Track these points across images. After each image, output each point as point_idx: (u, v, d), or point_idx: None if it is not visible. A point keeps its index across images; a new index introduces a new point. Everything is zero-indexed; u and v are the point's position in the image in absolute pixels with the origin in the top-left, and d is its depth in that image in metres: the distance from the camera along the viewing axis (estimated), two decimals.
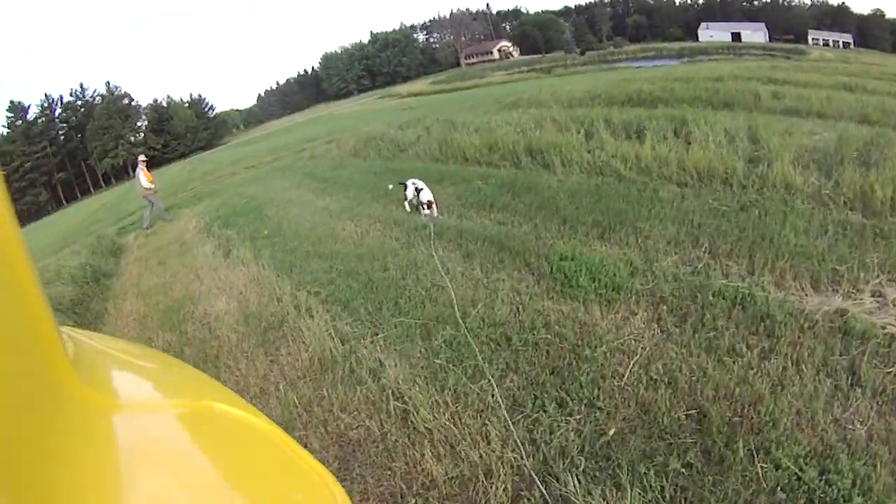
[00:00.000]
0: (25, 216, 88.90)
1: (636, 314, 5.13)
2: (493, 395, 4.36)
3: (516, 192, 9.45)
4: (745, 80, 18.36)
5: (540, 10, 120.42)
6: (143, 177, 17.22)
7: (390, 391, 4.63)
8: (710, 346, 4.44)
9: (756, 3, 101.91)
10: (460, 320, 5.47)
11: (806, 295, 5.03)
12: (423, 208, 9.25)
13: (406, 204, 9.96)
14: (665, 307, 5.13)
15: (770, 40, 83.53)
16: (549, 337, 4.98)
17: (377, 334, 5.64)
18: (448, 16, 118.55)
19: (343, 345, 5.54)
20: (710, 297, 5.08)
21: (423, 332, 5.51)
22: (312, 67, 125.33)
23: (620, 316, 5.17)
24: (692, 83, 17.49)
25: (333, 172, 16.40)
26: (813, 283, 5.21)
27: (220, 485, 0.86)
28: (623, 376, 4.32)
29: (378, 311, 6.11)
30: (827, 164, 8.20)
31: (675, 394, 4.01)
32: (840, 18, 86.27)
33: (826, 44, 79.64)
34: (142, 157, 17.88)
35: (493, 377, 4.58)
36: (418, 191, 9.57)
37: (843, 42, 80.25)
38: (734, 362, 4.17)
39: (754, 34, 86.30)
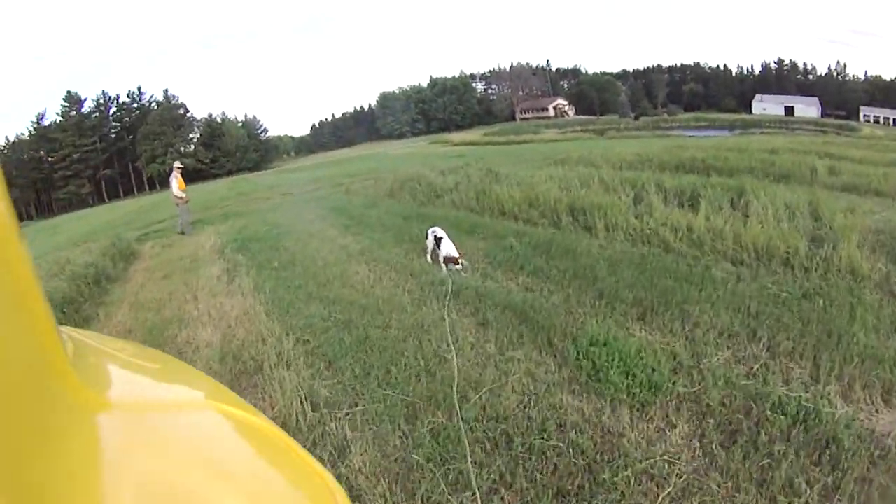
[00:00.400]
0: (65, 206, 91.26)
1: (675, 426, 4.03)
2: None
3: (551, 254, 8.42)
4: (800, 153, 17.47)
5: (598, 71, 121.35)
6: (175, 184, 17.28)
7: (350, 485, 3.76)
8: (763, 479, 3.43)
9: (810, 77, 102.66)
10: (457, 406, 4.52)
11: (876, 411, 4.12)
12: (443, 263, 8.32)
13: (428, 255, 9.07)
14: (712, 421, 4.01)
15: (822, 115, 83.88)
16: (560, 445, 3.91)
17: (356, 405, 4.79)
18: (508, 68, 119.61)
19: (313, 412, 4.73)
20: (768, 412, 4.01)
21: (410, 413, 4.57)
22: (369, 105, 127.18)
23: (655, 426, 4.07)
24: (746, 154, 16.64)
25: (364, 210, 15.75)
26: (885, 394, 4.27)
27: (221, 485, 0.83)
28: None
29: (365, 376, 5.25)
30: (894, 247, 7.34)
31: None
32: (892, 95, 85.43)
33: (877, 120, 78.54)
34: (177, 164, 17.97)
35: (479, 490, 3.57)
36: (438, 240, 8.62)
37: (894, 119, 79.02)
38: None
39: (807, 109, 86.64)
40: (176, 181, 17.33)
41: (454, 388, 4.74)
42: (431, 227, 9.08)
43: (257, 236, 13.89)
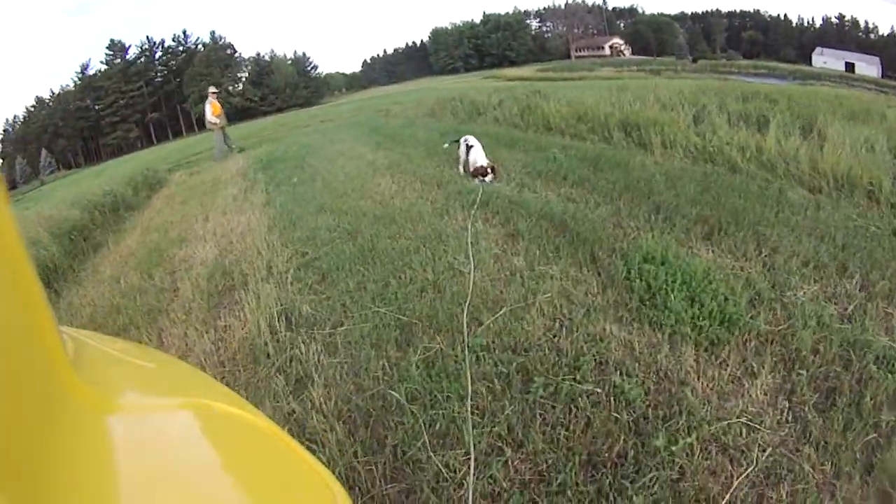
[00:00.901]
0: (114, 151, 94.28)
1: (756, 376, 2.90)
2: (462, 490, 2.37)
3: (600, 167, 7.22)
4: (866, 101, 16.04)
5: (656, 12, 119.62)
6: (209, 109, 17.00)
7: (300, 426, 2.94)
8: (868, 462, 2.38)
9: (871, 35, 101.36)
10: (465, 329, 3.50)
11: None
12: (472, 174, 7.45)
13: (460, 166, 8.04)
14: (804, 373, 2.88)
15: (882, 76, 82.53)
16: (598, 392, 2.83)
17: (340, 325, 3.96)
18: (563, 6, 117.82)
19: (289, 332, 3.99)
20: (872, 366, 2.90)
21: (403, 336, 3.62)
22: (421, 41, 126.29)
23: (729, 374, 2.94)
24: (812, 93, 15.20)
25: (399, 130, 14.58)
26: None
27: (221, 485, 0.81)
28: None
29: (358, 290, 4.42)
30: None
31: None
32: None
33: None
34: (211, 89, 17.73)
35: (475, 446, 2.53)
36: (469, 148, 7.69)
37: None
38: None
39: (868, 67, 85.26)
40: (210, 106, 17.00)
41: (464, 307, 3.75)
42: (464, 136, 8.14)
43: (284, 157, 13.34)
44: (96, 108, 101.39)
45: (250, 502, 0.79)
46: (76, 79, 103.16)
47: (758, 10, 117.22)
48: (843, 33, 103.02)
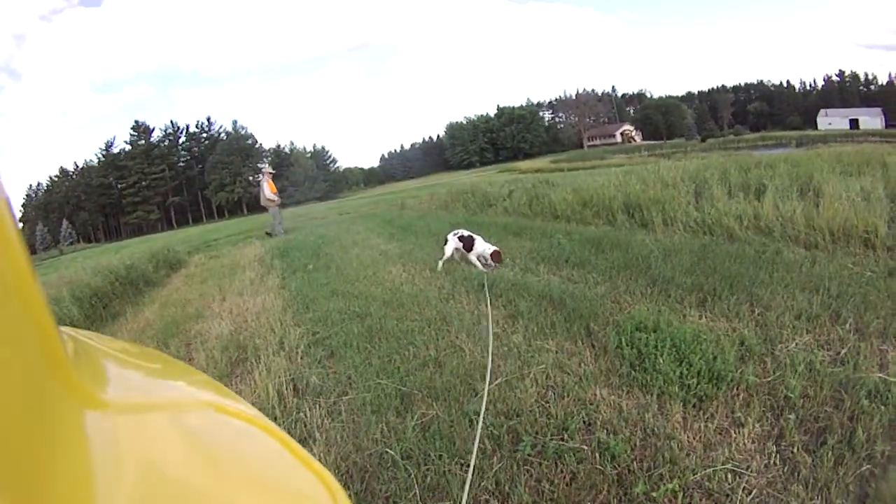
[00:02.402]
0: (134, 230, 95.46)
1: (743, 425, 3.02)
2: None
3: (601, 248, 7.47)
4: (868, 154, 15.97)
5: (663, 95, 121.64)
6: (266, 187, 17.75)
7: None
8: (863, 493, 2.47)
9: (872, 87, 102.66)
10: (462, 398, 3.70)
11: None
12: (480, 261, 7.68)
13: (441, 261, 7.98)
14: (793, 416, 3.00)
15: (886, 125, 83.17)
16: (584, 449, 2.96)
17: (345, 394, 4.14)
18: (574, 96, 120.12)
19: (297, 398, 4.23)
20: (864, 401, 3.03)
21: (403, 405, 3.79)
22: (438, 135, 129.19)
23: (716, 426, 3.06)
24: (814, 156, 15.24)
25: (413, 221, 15.18)
26: None
27: (220, 485, 0.79)
28: None
29: (364, 365, 4.60)
30: None
31: None
32: None
33: None
34: (267, 169, 18.65)
35: (463, 499, 2.60)
36: (467, 240, 7.87)
37: None
38: None
39: (871, 120, 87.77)
40: (267, 184, 17.80)
41: (460, 379, 3.94)
42: (454, 231, 8.28)
43: (301, 245, 13.59)
44: (119, 186, 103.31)
45: (250, 502, 0.79)
46: (100, 155, 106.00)
47: (761, 81, 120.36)
48: (845, 90, 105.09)
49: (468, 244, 7.72)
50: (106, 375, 1.05)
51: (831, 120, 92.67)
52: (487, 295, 5.84)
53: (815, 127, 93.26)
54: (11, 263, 0.67)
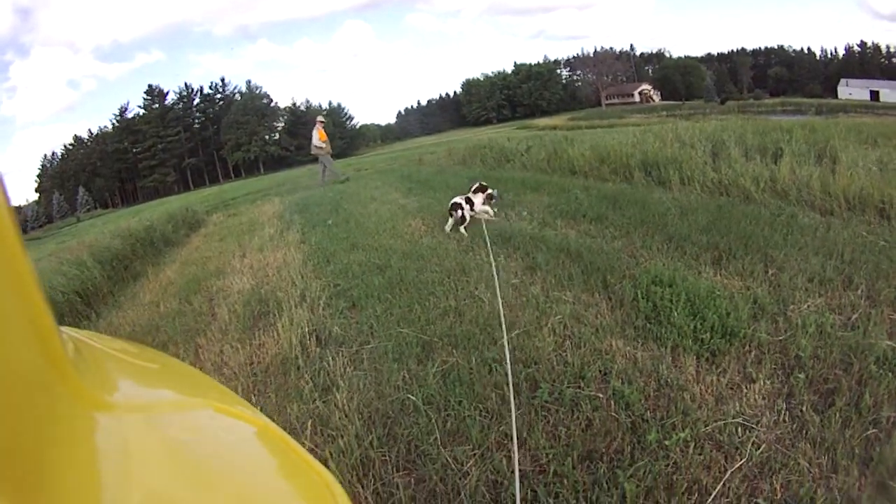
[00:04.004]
0: (151, 193, 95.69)
1: (754, 381, 3.08)
2: (466, 479, 2.59)
3: (619, 204, 7.48)
4: (885, 126, 15.84)
5: (682, 55, 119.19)
6: (316, 135, 18.08)
7: (323, 421, 3.26)
8: (868, 456, 2.48)
9: (894, 60, 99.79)
10: (481, 346, 3.78)
11: None
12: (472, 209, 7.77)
13: (448, 226, 7.72)
14: (802, 376, 3.05)
15: None
16: (599, 396, 3.04)
17: (367, 343, 4.27)
18: (592, 54, 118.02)
19: (319, 348, 4.36)
20: (872, 367, 3.05)
21: (423, 352, 3.90)
22: (454, 92, 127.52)
23: (728, 381, 3.13)
24: (832, 125, 14.97)
25: (431, 176, 15.03)
26: None
27: (220, 485, 0.81)
28: (707, 496, 2.37)
29: (385, 315, 4.71)
30: None
31: None
32: None
33: None
34: (319, 118, 18.90)
35: (482, 443, 2.78)
36: (468, 201, 7.81)
37: None
38: None
39: (892, 93, 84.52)
40: (317, 133, 18.13)
41: (480, 327, 4.03)
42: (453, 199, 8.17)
43: (320, 201, 13.65)
44: (134, 150, 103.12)
45: (250, 502, 0.81)
46: (115, 121, 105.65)
47: (782, 46, 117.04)
48: (866, 61, 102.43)
49: (472, 204, 7.81)
50: (106, 375, 1.04)
51: (852, 90, 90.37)
52: (488, 241, 6.20)
53: (836, 96, 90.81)
54: (11, 264, 0.67)
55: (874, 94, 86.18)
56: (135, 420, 0.84)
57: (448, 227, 7.52)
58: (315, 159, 19.47)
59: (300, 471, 0.91)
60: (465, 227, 7.32)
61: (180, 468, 0.80)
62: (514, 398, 3.07)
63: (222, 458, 0.88)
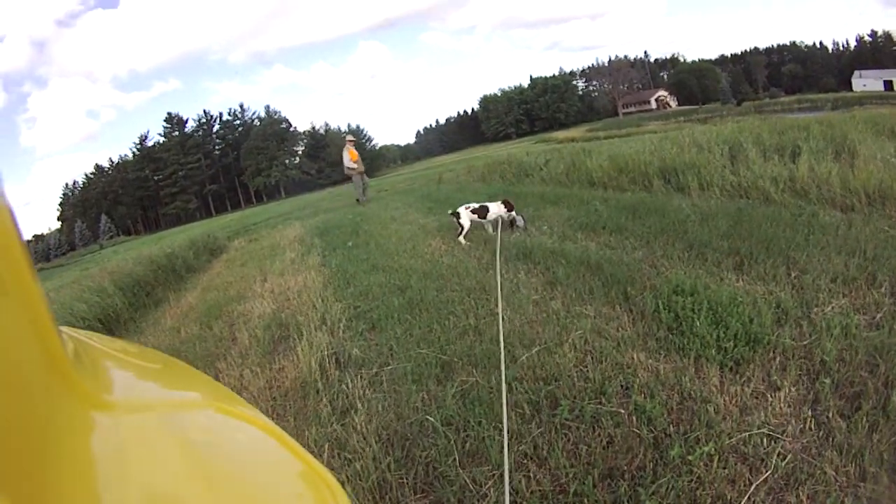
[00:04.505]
0: (173, 220, 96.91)
1: (779, 389, 3.01)
2: (485, 501, 2.59)
3: (638, 214, 7.43)
4: None
5: (697, 59, 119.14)
6: (347, 156, 18.04)
7: (340, 444, 3.26)
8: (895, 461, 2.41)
9: None
10: (502, 365, 3.61)
11: None
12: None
13: (462, 235, 8.03)
14: (829, 381, 2.97)
15: None
16: (621, 412, 2.98)
17: (386, 365, 4.24)
18: (607, 63, 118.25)
19: (339, 371, 4.33)
20: None
21: (442, 372, 3.87)
22: (472, 109, 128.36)
23: (752, 390, 3.05)
24: (849, 119, 14.77)
25: (451, 194, 15.08)
26: None
27: (220, 485, 0.80)
28: None
29: (405, 336, 4.68)
30: None
31: None
32: None
33: None
34: (349, 137, 18.75)
35: (501, 463, 2.67)
36: (481, 210, 8.17)
37: None
38: None
39: None
40: (348, 153, 18.08)
41: (502, 345, 3.88)
42: (464, 205, 8.44)
43: (340, 224, 13.70)
44: (155, 178, 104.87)
45: (250, 502, 0.80)
46: (135, 149, 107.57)
47: (794, 42, 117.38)
48: (878, 50, 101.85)
49: (482, 213, 7.96)
50: (106, 375, 1.05)
51: (866, 81, 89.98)
52: (498, 251, 6.27)
53: (850, 88, 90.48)
54: (11, 264, 0.67)
55: (888, 84, 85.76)
56: (135, 420, 0.85)
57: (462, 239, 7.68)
58: (349, 179, 19.45)
59: (300, 471, 0.91)
60: (464, 236, 7.60)
61: (180, 468, 0.80)
62: (534, 417, 3.04)
63: (222, 458, 0.88)
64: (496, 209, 8.00)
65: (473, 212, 8.03)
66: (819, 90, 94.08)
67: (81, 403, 0.77)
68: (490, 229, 7.76)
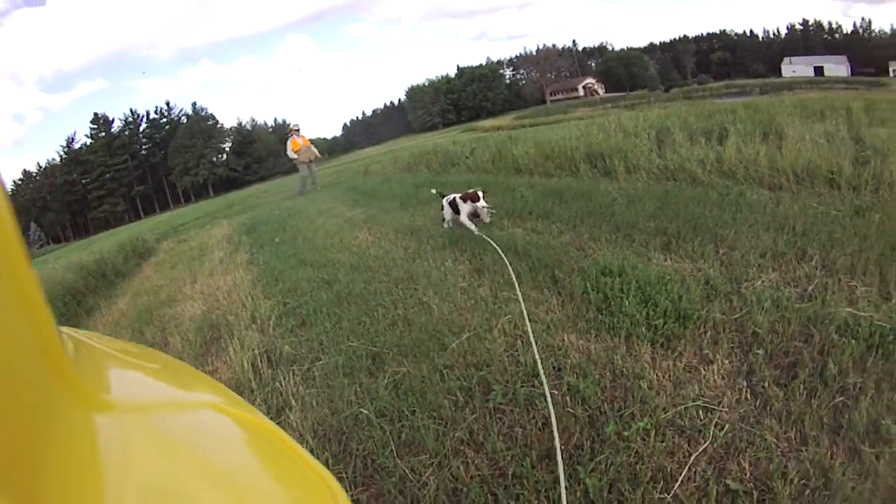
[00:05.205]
0: (101, 225, 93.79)
1: (712, 362, 3.07)
2: (426, 490, 2.55)
3: (565, 199, 7.50)
4: (830, 100, 16.01)
5: (625, 47, 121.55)
6: (289, 146, 17.77)
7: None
8: (837, 424, 2.48)
9: (836, 36, 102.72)
10: (432, 353, 3.74)
11: None
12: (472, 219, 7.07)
13: (446, 222, 7.42)
14: (762, 352, 3.04)
15: (852, 74, 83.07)
16: (554, 393, 2.99)
17: (318, 360, 4.18)
18: (534, 52, 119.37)
19: (271, 369, 4.28)
20: (833, 336, 3.05)
21: (374, 364, 3.85)
22: (399, 100, 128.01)
23: (685, 364, 3.12)
24: (777, 103, 15.22)
25: (376, 186, 15.12)
26: None
27: (220, 485, 0.81)
28: (673, 483, 2.33)
29: (334, 329, 4.65)
30: None
31: None
32: None
33: None
34: (293, 125, 18.63)
35: (438, 451, 2.73)
36: (452, 204, 7.19)
37: None
38: (878, 455, 2.27)
39: (837, 67, 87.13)
40: (290, 143, 17.83)
41: (430, 335, 3.99)
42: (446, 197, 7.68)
43: (267, 220, 13.58)
44: (83, 181, 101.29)
45: (250, 502, 0.80)
46: (62, 153, 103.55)
47: (724, 31, 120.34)
48: (809, 39, 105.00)
49: (455, 208, 7.24)
50: (106, 375, 1.04)
51: (795, 68, 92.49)
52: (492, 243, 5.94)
53: (780, 75, 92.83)
54: (11, 264, 0.67)
55: (818, 70, 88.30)
56: (134, 420, 0.85)
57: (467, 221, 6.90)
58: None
59: (301, 471, 0.90)
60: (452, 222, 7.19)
61: (180, 468, 0.79)
62: (468, 403, 3.04)
63: (222, 458, 0.88)
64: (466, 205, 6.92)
65: (450, 204, 7.24)
66: (748, 76, 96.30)
67: (81, 403, 0.77)
68: (467, 223, 6.94)
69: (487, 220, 7.04)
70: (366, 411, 3.15)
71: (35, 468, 0.60)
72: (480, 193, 6.77)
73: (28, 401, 0.65)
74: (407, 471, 2.64)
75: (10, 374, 0.62)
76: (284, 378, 3.93)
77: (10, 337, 0.64)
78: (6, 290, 0.65)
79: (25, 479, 0.58)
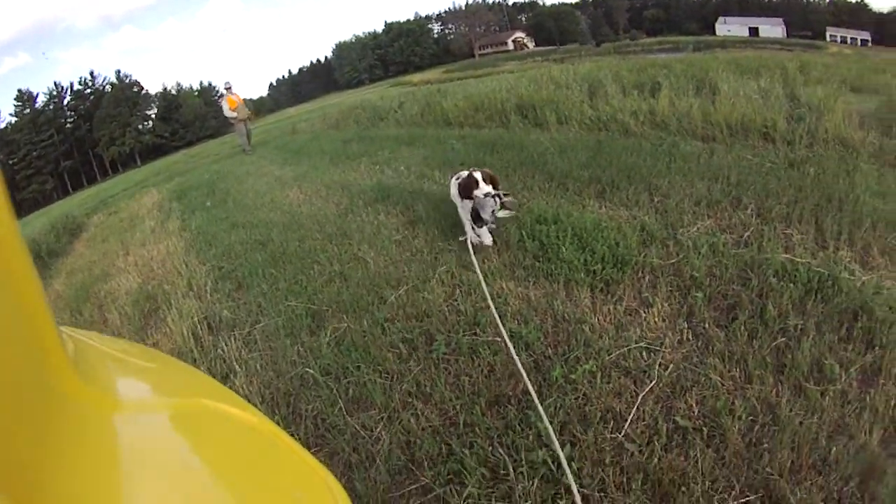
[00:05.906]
0: (32, 205, 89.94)
1: (652, 305, 3.16)
2: (378, 444, 2.59)
3: (496, 149, 7.52)
4: (765, 59, 16.39)
5: (556, 2, 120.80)
6: (225, 105, 16.87)
7: None
8: (780, 363, 2.59)
9: None
10: (371, 307, 3.77)
11: None
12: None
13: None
14: (701, 294, 3.15)
15: (788, 36, 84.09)
16: (497, 341, 3.04)
17: (258, 323, 4.16)
18: (463, 6, 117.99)
19: (212, 336, 4.21)
20: (772, 280, 3.18)
21: (314, 322, 3.87)
22: (325, 57, 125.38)
23: (625, 308, 3.20)
24: (710, 60, 15.30)
25: (305, 144, 14.89)
26: None
27: (220, 484, 0.82)
28: (623, 422, 2.41)
29: (272, 290, 4.64)
30: (883, 124, 6.48)
31: (725, 463, 2.17)
32: (858, 16, 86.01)
33: (844, 41, 78.29)
34: (226, 84, 17.53)
35: (387, 405, 2.75)
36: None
37: (861, 39, 78.98)
38: (823, 393, 2.37)
39: (772, 29, 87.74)
40: (226, 101, 16.89)
41: (367, 290, 4.02)
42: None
43: (196, 185, 13.28)
44: (10, 162, 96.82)
45: (250, 501, 0.80)
46: None
47: None
48: (744, 0, 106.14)
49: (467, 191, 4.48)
50: (106, 375, 1.04)
51: (730, 27, 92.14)
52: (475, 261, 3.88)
53: (714, 34, 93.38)
54: (11, 264, 0.67)
55: (753, 31, 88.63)
56: (134, 419, 0.85)
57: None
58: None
59: (300, 470, 0.91)
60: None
61: (180, 467, 0.80)
62: (412, 355, 3.06)
63: (222, 457, 0.88)
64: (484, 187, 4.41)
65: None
66: (681, 34, 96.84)
67: (81, 403, 0.77)
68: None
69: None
70: (311, 371, 3.14)
71: (35, 468, 0.61)
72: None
73: (28, 401, 0.66)
74: (358, 427, 2.66)
75: (10, 375, 0.63)
76: (226, 344, 3.88)
77: (11, 337, 0.65)
78: (6, 291, 0.66)
79: (27, 477, 0.59)
